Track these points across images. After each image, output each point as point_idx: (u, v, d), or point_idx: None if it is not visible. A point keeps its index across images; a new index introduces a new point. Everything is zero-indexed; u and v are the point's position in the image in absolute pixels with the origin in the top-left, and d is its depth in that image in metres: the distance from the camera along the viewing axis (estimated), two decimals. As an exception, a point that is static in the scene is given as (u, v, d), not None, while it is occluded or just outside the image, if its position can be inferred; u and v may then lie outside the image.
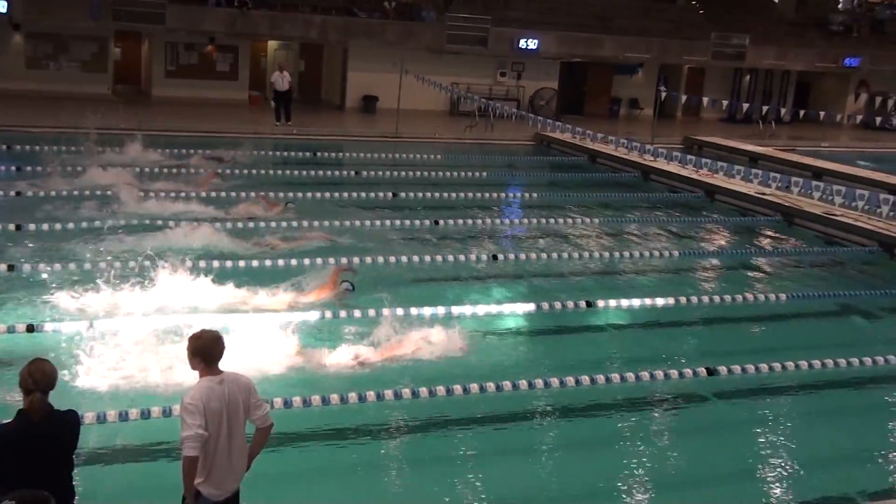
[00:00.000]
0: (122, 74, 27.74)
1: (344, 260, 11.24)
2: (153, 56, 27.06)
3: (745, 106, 27.93)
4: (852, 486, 7.12)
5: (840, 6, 36.99)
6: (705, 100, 28.42)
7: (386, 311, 9.67)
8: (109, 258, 11.00)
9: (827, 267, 14.24)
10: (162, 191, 14.92)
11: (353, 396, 7.56)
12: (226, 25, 25.80)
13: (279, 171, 17.46)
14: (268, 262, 11.22)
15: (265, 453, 5.18)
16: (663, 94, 26.82)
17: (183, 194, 14.68)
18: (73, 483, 4.77)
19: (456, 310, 10.03)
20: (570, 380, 8.22)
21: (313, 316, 9.40)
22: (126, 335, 8.38)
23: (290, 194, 15.10)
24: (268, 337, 8.54)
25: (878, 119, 28.45)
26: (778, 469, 7.45)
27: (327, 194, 15.52)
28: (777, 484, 7.18)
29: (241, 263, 11.02)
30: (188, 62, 27.35)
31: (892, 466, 7.68)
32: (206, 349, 4.76)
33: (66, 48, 25.86)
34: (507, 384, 8.04)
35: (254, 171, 17.25)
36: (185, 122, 21.89)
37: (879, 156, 26.94)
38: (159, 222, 12.79)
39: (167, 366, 7.86)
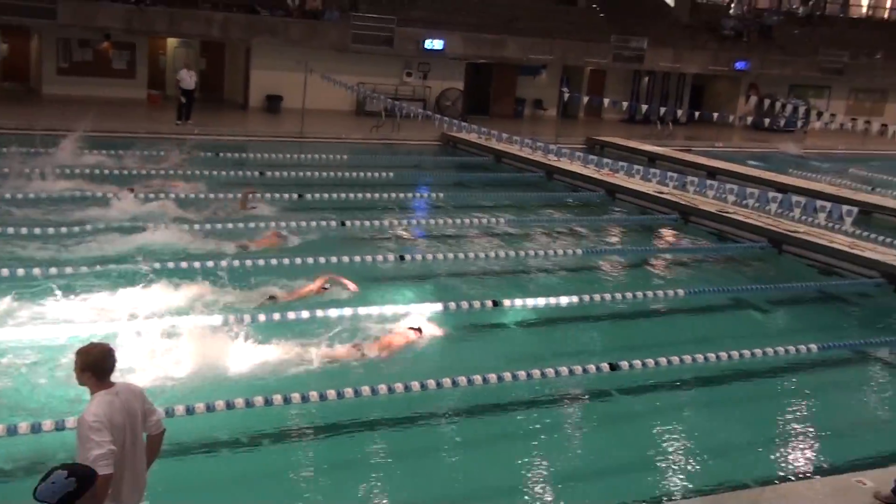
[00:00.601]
0: (9, 71, 26.46)
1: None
2: (44, 52, 25.91)
3: (644, 107, 28.88)
4: (747, 472, 7.42)
5: (731, 11, 38.59)
6: (606, 101, 29.22)
7: (291, 315, 9.58)
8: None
9: (721, 263, 14.84)
10: (64, 190, 14.43)
11: (259, 400, 7.43)
12: (122, 21, 24.94)
13: (180, 172, 16.98)
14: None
15: (170, 461, 5.04)
16: (566, 95, 27.45)
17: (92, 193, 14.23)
18: None
19: (363, 311, 9.99)
20: (478, 378, 8.30)
21: (216, 320, 9.19)
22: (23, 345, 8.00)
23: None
24: (170, 343, 8.32)
25: (767, 120, 29.83)
26: (678, 458, 7.71)
27: (230, 195, 15.21)
28: (677, 472, 7.44)
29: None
30: (82, 59, 26.33)
31: (783, 452, 8.04)
32: (97, 364, 4.58)
33: (-54, 43, 24.62)
34: (415, 384, 8.05)
35: (153, 172, 16.76)
36: (79, 122, 20.97)
37: (768, 155, 28.27)
38: (64, 229, 12.29)
39: (60, 378, 7.55)
